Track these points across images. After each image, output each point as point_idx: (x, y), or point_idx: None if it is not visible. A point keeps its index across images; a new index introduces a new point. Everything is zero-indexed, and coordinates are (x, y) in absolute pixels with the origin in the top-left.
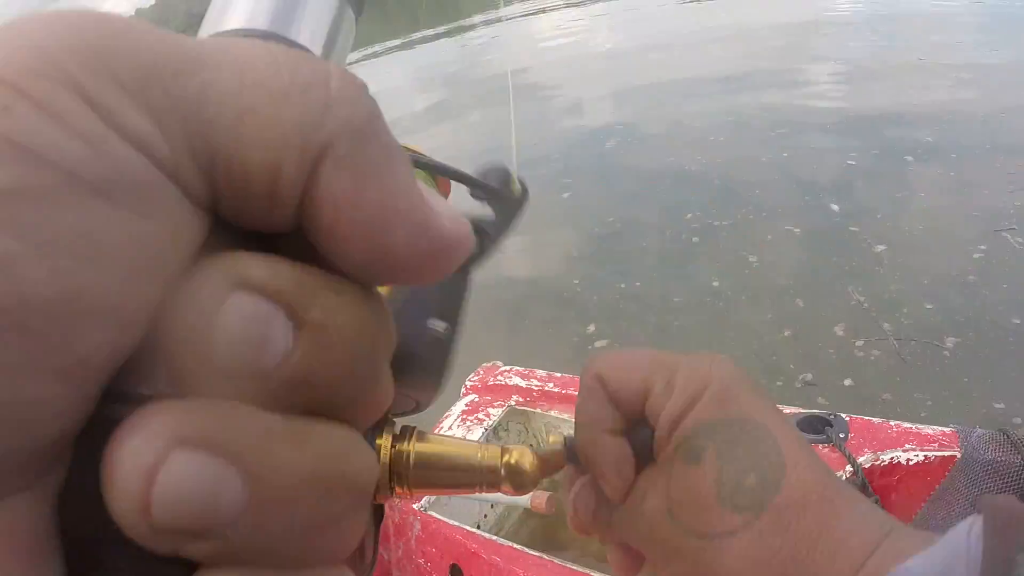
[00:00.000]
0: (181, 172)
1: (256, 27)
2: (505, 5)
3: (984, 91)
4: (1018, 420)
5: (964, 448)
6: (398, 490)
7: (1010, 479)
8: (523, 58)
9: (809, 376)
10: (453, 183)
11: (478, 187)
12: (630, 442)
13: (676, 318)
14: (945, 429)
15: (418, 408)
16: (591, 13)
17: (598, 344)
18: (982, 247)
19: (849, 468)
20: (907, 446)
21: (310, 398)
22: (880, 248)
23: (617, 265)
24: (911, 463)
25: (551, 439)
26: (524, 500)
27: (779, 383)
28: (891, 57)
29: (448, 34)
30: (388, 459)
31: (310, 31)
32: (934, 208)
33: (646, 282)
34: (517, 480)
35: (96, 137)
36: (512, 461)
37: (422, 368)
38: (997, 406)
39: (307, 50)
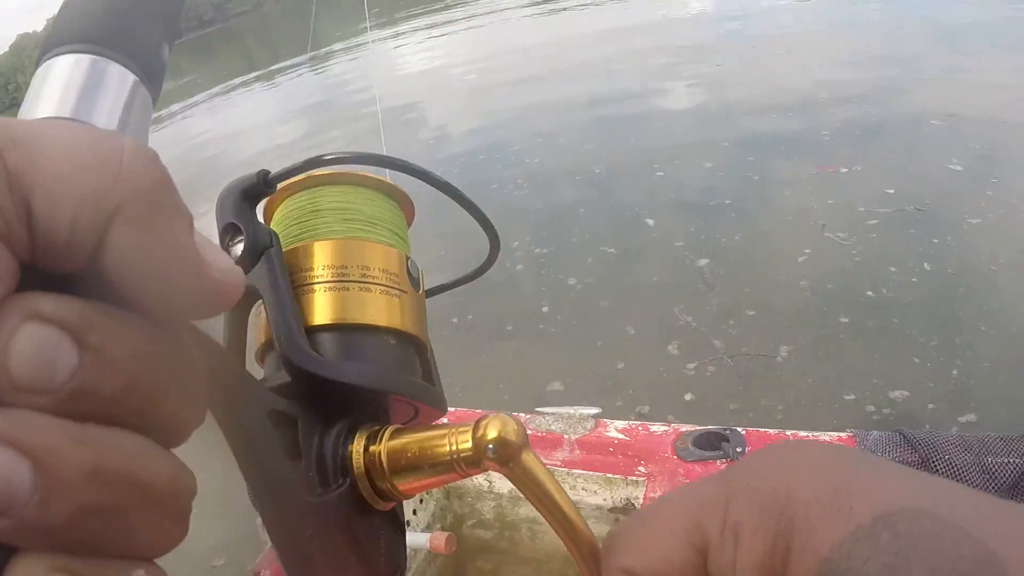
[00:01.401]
0: (11, 229)
1: (62, 115)
2: (370, 30)
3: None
4: (871, 408)
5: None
6: (383, 491)
7: None
8: (385, 84)
9: (646, 409)
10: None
11: (470, 210)
12: None
13: (510, 344)
14: (841, 434)
15: (416, 416)
16: (450, 33)
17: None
18: (807, 250)
19: None
20: None
21: (97, 408)
22: (703, 262)
23: (447, 297)
24: None
25: None
26: (423, 541)
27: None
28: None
29: (310, 63)
30: (362, 462)
31: (107, 113)
32: (754, 216)
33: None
34: (499, 455)
35: None
36: (486, 435)
37: (388, 377)
38: (848, 397)
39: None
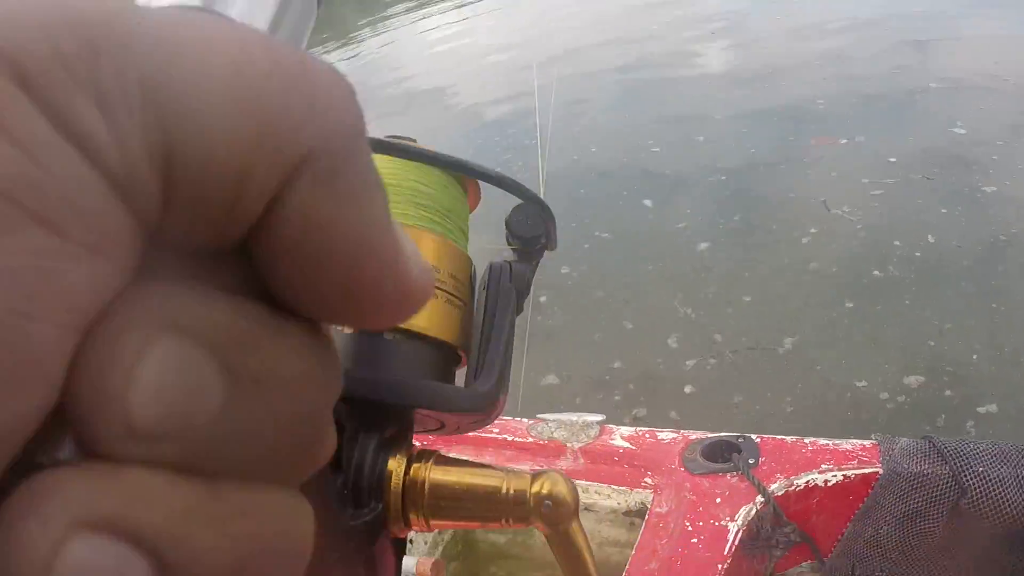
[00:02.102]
0: (134, 183)
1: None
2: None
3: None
4: (885, 395)
5: (886, 463)
6: (413, 521)
7: (938, 492)
8: (416, 64)
9: (643, 412)
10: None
11: (521, 195)
12: None
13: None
14: (865, 443)
15: (443, 428)
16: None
17: None
18: (812, 229)
19: (760, 499)
20: (824, 466)
21: (243, 461)
22: (703, 246)
23: None
24: (829, 484)
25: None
26: (410, 567)
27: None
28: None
29: (338, 46)
30: (401, 487)
31: (257, 8)
32: (753, 194)
33: None
34: (551, 514)
35: (41, 146)
36: (543, 491)
37: (414, 390)
38: (859, 384)
39: None
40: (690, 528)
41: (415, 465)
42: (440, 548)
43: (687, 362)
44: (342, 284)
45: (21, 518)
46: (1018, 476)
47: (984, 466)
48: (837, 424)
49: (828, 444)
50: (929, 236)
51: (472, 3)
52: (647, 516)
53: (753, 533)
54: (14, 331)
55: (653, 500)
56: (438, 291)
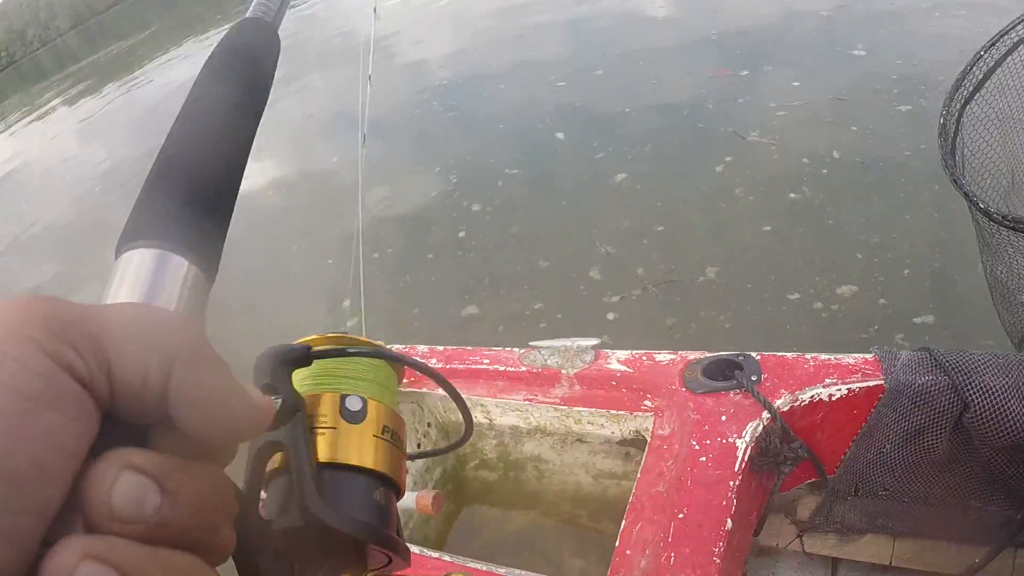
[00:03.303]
0: (95, 383)
1: (134, 299)
2: None
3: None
4: (818, 304)
5: (888, 378)
6: None
7: (941, 408)
8: (357, 17)
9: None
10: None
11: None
12: None
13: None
14: (867, 356)
15: (390, 565)
16: None
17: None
18: (728, 157)
19: (766, 415)
20: (827, 380)
21: (172, 536)
22: (621, 176)
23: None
24: (834, 399)
25: None
26: (409, 501)
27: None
28: None
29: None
30: None
31: (168, 297)
32: (661, 126)
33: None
34: None
35: (49, 374)
36: None
37: (377, 531)
38: (792, 297)
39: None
40: (697, 447)
41: None
42: (430, 485)
43: (612, 297)
44: (219, 415)
45: (57, 555)
46: (1020, 386)
47: (987, 377)
48: (776, 336)
49: (830, 359)
50: (835, 152)
51: None
52: (650, 439)
53: (762, 449)
54: (45, 459)
55: (655, 423)
56: (384, 441)
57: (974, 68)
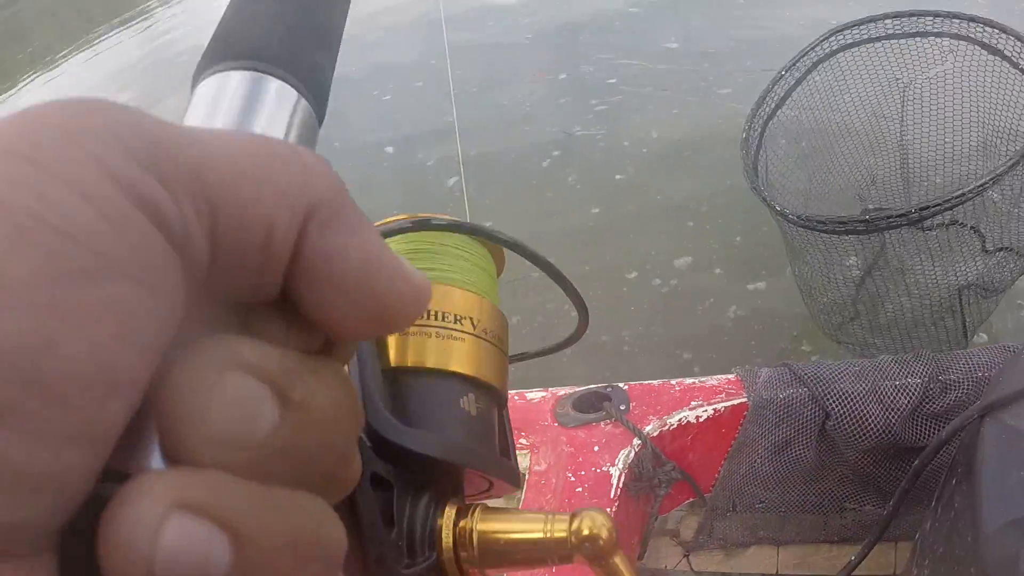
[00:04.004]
0: (189, 238)
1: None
2: None
3: None
4: (657, 281)
5: (750, 396)
6: (467, 570)
7: (804, 419)
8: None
9: None
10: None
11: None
12: None
13: None
14: (729, 376)
15: (491, 490)
16: None
17: None
18: (555, 152)
19: (636, 441)
20: (693, 403)
21: (291, 469)
22: (452, 180)
23: None
24: (701, 420)
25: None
26: None
27: None
28: None
29: (127, 24)
30: (451, 540)
31: (274, 130)
32: (491, 129)
33: None
34: (591, 550)
35: (120, 216)
36: (583, 530)
37: (467, 451)
38: (630, 276)
39: None
40: (573, 479)
41: (463, 520)
42: None
43: None
44: (367, 294)
45: (131, 503)
46: (876, 391)
47: (844, 384)
48: (621, 317)
49: (695, 382)
50: (654, 132)
51: None
52: (527, 476)
53: (635, 475)
54: (105, 355)
55: (531, 460)
56: (483, 340)
57: (776, 86)
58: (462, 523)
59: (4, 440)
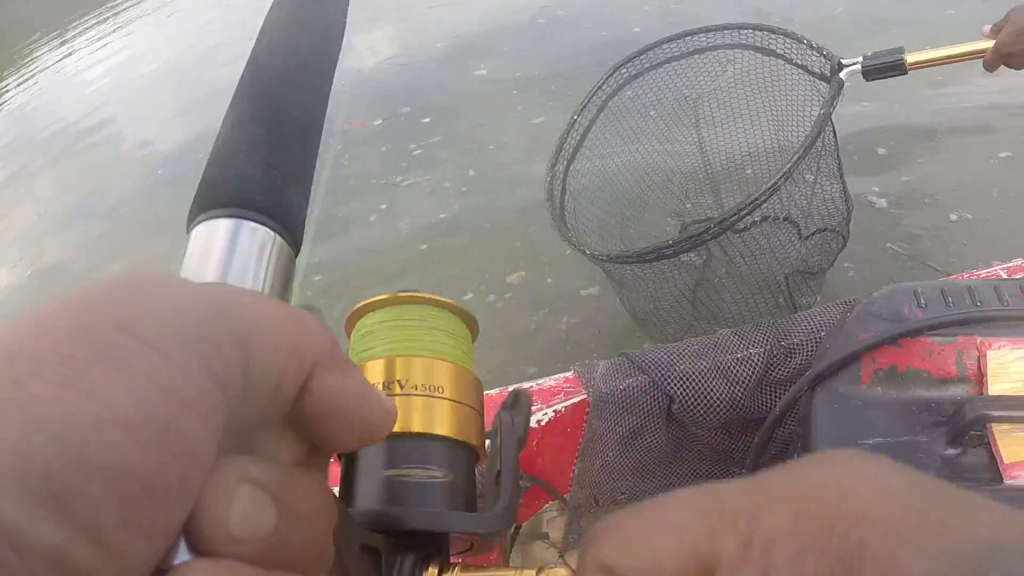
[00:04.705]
0: (230, 383)
1: (225, 278)
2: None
3: None
4: (492, 297)
5: (590, 391)
6: None
7: (645, 404)
8: (70, 102)
9: None
10: None
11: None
12: None
13: None
14: (567, 375)
15: (472, 548)
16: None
17: None
18: (383, 205)
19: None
20: (532, 408)
21: (285, 557)
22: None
23: None
24: (543, 423)
25: None
26: None
27: None
28: None
29: None
30: None
31: (255, 275)
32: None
33: None
34: None
35: (195, 374)
36: None
37: (436, 517)
38: (467, 297)
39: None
40: None
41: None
42: None
43: None
44: (360, 418)
45: None
46: (718, 366)
47: (684, 365)
48: None
49: (532, 385)
50: (471, 171)
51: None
52: None
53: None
54: (187, 476)
55: None
56: (458, 403)
57: (570, 133)
58: None
59: (126, 538)
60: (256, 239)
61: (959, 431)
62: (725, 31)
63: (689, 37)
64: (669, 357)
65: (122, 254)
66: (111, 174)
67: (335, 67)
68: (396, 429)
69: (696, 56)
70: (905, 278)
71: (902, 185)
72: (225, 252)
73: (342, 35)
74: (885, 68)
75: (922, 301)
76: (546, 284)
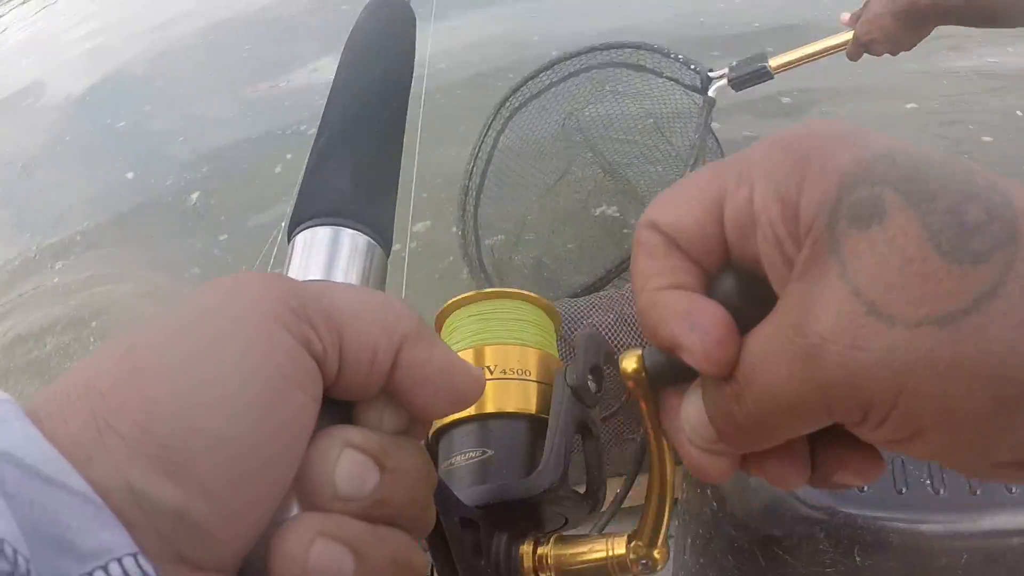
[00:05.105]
0: (326, 359)
1: (330, 276)
2: None
3: None
4: (397, 246)
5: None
6: None
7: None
8: None
9: None
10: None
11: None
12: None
13: None
14: None
15: (568, 523)
16: None
17: None
18: (288, 155)
19: None
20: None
21: (387, 514)
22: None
23: None
24: None
25: (624, 360)
26: None
27: None
28: None
29: None
30: (532, 564)
31: (357, 274)
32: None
33: None
34: (645, 565)
35: (294, 350)
36: (637, 554)
37: (518, 489)
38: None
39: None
40: None
41: (541, 548)
42: None
43: None
44: (448, 388)
45: (292, 531)
46: (622, 318)
47: (592, 317)
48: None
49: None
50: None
51: None
52: None
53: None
54: (292, 444)
55: None
56: (545, 384)
57: (472, 176)
58: (540, 550)
59: (237, 497)
60: (352, 243)
61: None
62: (594, 52)
63: (561, 63)
64: (578, 311)
65: None
66: None
67: (410, 87)
68: (492, 409)
69: (571, 80)
70: None
71: None
72: (327, 254)
73: (413, 58)
74: (750, 77)
75: None
76: (451, 233)
